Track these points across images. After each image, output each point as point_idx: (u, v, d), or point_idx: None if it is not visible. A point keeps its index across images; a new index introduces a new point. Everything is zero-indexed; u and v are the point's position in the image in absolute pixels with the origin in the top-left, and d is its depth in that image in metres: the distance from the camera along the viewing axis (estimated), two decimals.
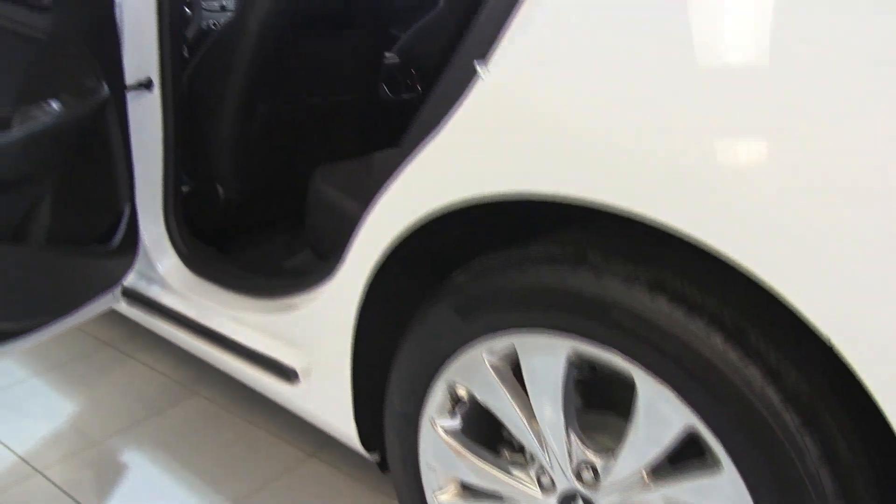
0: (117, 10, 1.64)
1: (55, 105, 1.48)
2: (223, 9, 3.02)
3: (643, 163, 0.92)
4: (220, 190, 2.11)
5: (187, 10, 2.87)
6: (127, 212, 1.74)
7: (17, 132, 1.37)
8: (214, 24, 2.96)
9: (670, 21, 0.92)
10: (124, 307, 2.03)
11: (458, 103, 1.23)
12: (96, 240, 1.64)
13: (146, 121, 1.81)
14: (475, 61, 1.19)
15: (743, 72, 0.86)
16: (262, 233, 2.26)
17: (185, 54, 2.25)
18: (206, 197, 2.11)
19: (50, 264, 1.52)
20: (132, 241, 1.77)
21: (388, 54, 2.55)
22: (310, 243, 1.89)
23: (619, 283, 1.02)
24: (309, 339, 1.57)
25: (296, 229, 2.24)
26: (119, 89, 1.69)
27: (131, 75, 1.74)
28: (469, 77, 1.23)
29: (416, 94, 2.59)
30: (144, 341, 2.45)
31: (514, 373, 1.22)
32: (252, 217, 2.24)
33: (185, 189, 2.01)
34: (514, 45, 1.09)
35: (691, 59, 0.90)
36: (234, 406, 2.11)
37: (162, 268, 1.93)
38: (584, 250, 1.07)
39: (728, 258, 0.88)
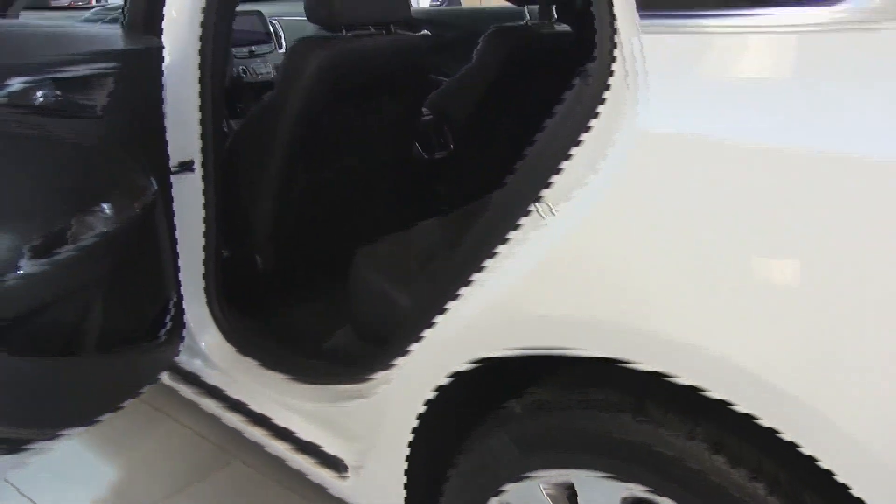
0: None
1: (107, 208, 1.50)
2: (252, 54, 3.04)
3: (703, 345, 0.95)
4: (259, 259, 2.14)
5: None
6: (174, 299, 1.77)
7: (73, 248, 1.40)
8: (244, 71, 2.98)
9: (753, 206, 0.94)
10: (166, 378, 2.06)
11: (513, 233, 1.25)
12: (145, 334, 1.67)
13: (187, 199, 1.84)
14: (536, 201, 1.21)
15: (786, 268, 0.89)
16: (299, 300, 2.29)
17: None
18: (244, 266, 2.14)
19: (100, 369, 1.55)
20: (178, 326, 1.80)
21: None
22: (354, 327, 1.92)
23: (680, 439, 1.05)
24: (362, 432, 1.60)
25: (332, 295, 2.27)
26: (165, 178, 1.72)
27: (174, 157, 1.77)
28: (523, 208, 1.26)
29: (448, 152, 2.60)
30: (180, 399, 2.48)
31: (568, 497, 1.25)
32: (289, 285, 2.27)
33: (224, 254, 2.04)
34: (583, 192, 1.10)
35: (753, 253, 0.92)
36: (273, 472, 2.14)
37: (204, 344, 1.97)
38: (643, 402, 1.10)
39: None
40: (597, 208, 1.08)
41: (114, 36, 1.55)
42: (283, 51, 3.13)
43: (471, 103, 2.61)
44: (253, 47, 3.03)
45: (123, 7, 1.63)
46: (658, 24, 1.06)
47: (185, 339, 1.93)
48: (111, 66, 1.47)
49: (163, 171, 1.71)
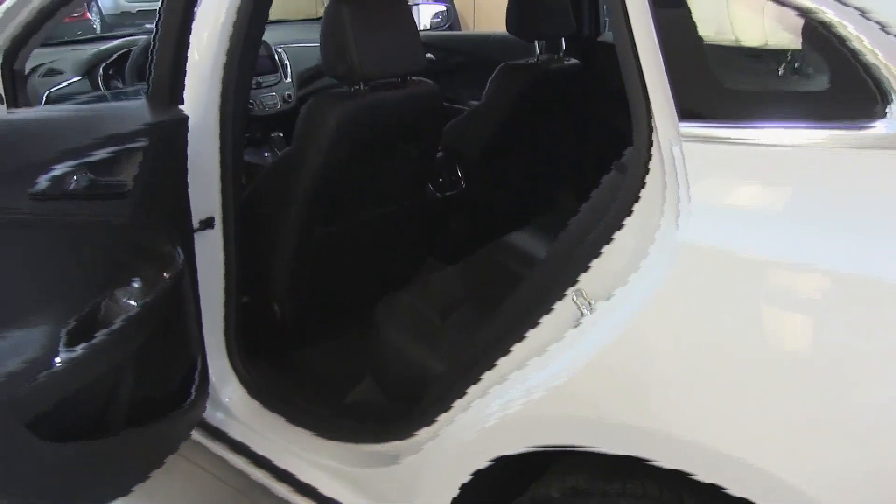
0: None
1: (137, 283, 1.51)
2: (258, 85, 3.03)
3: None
4: (277, 308, 2.15)
5: None
6: (199, 362, 1.78)
7: (108, 331, 1.41)
8: (251, 103, 2.98)
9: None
10: None
11: (547, 319, 1.27)
12: (173, 402, 1.68)
13: (208, 255, 1.84)
14: (573, 293, 1.23)
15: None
16: (318, 349, 2.30)
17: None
18: (263, 315, 2.15)
19: (131, 445, 1.56)
20: (204, 386, 1.81)
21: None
22: (377, 383, 1.94)
23: None
24: (392, 496, 1.62)
25: (352, 343, 2.29)
26: (189, 241, 1.73)
27: (195, 216, 1.77)
28: (558, 295, 1.28)
29: (460, 190, 2.61)
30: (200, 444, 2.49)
31: None
32: (308, 333, 2.28)
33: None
34: (625, 295, 1.12)
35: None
36: None
37: (227, 397, 1.98)
38: (681, 496, 1.12)
39: None
40: (642, 317, 1.10)
41: (139, 110, 1.55)
42: (290, 80, 3.12)
43: (482, 141, 2.62)
44: (259, 78, 3.02)
45: (147, 79, 1.63)
46: (700, 133, 1.07)
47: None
48: (140, 142, 1.48)
49: (187, 235, 1.72)
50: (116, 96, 2.63)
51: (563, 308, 1.28)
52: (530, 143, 2.85)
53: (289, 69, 3.15)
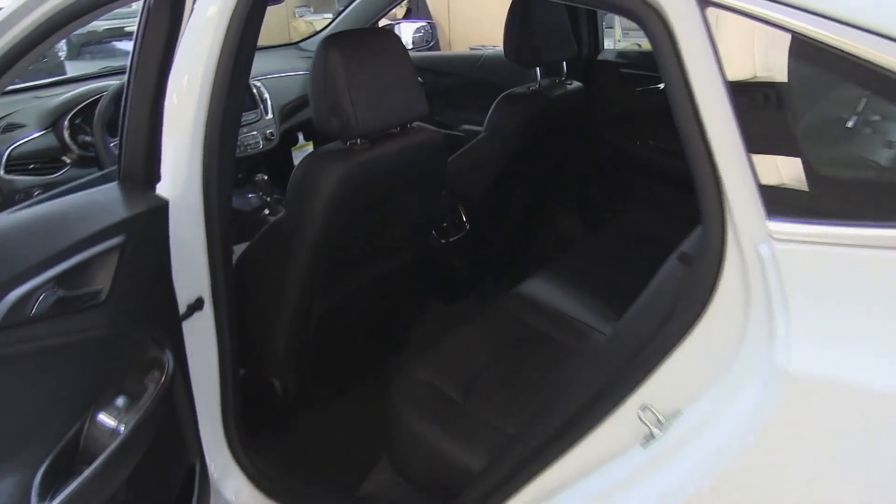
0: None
1: (120, 402, 1.31)
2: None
3: None
4: (277, 384, 1.95)
5: None
6: (198, 466, 1.58)
7: (88, 473, 1.20)
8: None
9: None
10: None
11: (605, 427, 1.11)
12: None
13: (199, 340, 1.65)
14: (640, 412, 1.05)
15: None
16: (326, 424, 2.11)
17: None
18: (262, 391, 1.95)
19: None
20: (204, 493, 1.61)
21: None
22: (394, 466, 1.75)
23: None
24: None
25: (363, 414, 2.10)
26: (177, 335, 1.53)
27: (182, 301, 1.57)
28: (615, 403, 1.11)
29: (464, 233, 2.43)
30: None
31: None
32: (313, 408, 2.08)
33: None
34: (711, 426, 0.95)
35: None
36: None
37: (231, 493, 1.78)
38: None
39: None
40: (745, 456, 0.92)
41: (111, 202, 1.34)
42: (270, 116, 2.91)
43: (488, 179, 2.43)
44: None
45: (119, 157, 1.42)
46: (799, 233, 0.89)
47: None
48: (115, 240, 1.28)
49: (174, 328, 1.52)
50: (84, 149, 2.41)
51: (625, 419, 1.11)
52: (533, 173, 2.67)
53: (269, 104, 2.93)
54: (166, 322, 1.45)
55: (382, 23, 3.35)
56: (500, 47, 2.40)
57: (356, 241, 1.87)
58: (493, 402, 1.73)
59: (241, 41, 1.48)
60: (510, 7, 2.38)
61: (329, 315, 1.93)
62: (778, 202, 0.93)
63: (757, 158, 0.93)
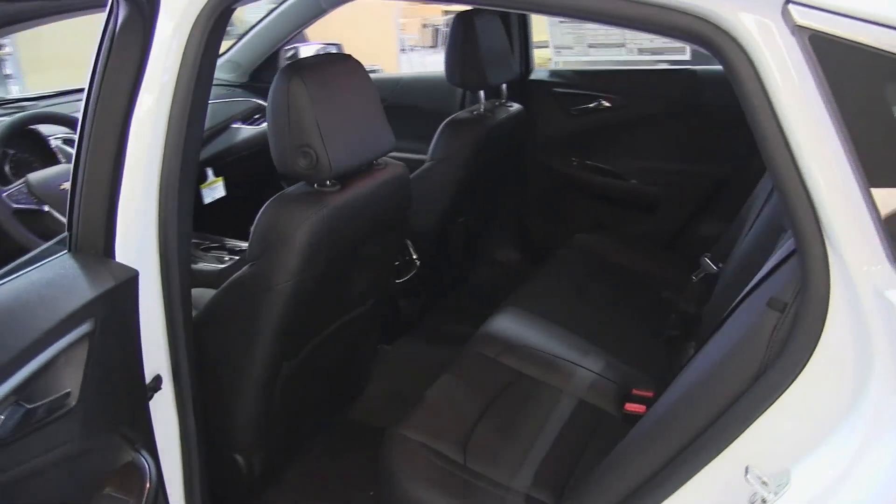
0: None
1: None
2: None
3: None
4: (240, 460, 1.72)
5: None
6: None
7: None
8: None
9: None
10: None
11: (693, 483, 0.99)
12: None
13: (157, 424, 1.41)
14: (748, 477, 0.94)
15: None
16: (289, 486, 1.89)
17: None
18: (224, 469, 1.71)
19: None
20: None
21: None
22: None
23: None
24: None
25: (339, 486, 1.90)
26: (147, 421, 1.30)
27: None
28: (705, 460, 1.00)
29: (415, 271, 2.26)
30: None
31: None
32: (282, 482, 1.86)
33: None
34: None
35: None
36: None
37: None
38: None
39: None
40: None
41: (70, 278, 1.09)
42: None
43: (437, 212, 2.28)
44: None
45: (70, 220, 1.18)
46: None
47: None
48: (83, 328, 1.04)
49: (143, 416, 1.28)
50: None
51: (718, 483, 0.99)
52: (477, 201, 2.55)
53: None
54: (135, 414, 1.22)
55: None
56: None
57: (327, 295, 1.67)
58: (496, 459, 1.59)
59: (199, 74, 1.27)
60: (452, 29, 2.26)
61: (294, 378, 1.72)
62: None
63: (879, 193, 0.84)
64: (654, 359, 1.99)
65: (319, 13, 2.75)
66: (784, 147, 0.91)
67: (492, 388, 1.79)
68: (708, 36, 0.95)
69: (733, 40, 0.93)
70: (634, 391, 1.80)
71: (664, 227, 2.70)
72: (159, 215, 1.27)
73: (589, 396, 1.80)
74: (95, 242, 1.15)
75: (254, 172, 2.50)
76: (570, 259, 2.46)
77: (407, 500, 1.48)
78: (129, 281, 1.13)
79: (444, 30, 9.00)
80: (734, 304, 1.10)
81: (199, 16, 1.22)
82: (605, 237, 2.65)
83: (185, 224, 1.33)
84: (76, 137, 1.15)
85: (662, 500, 1.03)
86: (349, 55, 1.64)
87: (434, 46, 8.10)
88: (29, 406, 0.94)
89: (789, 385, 0.94)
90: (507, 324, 2.04)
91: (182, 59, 1.23)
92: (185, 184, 1.29)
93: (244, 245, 2.49)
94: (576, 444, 1.66)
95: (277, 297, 1.51)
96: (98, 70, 1.13)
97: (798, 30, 0.88)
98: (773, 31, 0.90)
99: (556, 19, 2.75)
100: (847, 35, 0.86)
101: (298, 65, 1.51)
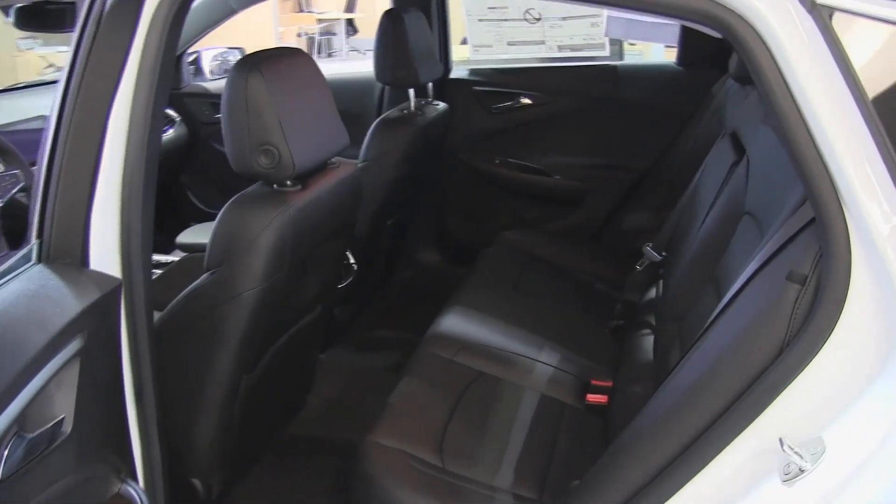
0: None
1: None
2: None
3: None
4: (198, 484, 1.60)
5: None
6: None
7: None
8: None
9: None
10: None
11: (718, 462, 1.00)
12: None
13: None
14: (784, 446, 0.94)
15: None
16: None
17: None
18: (181, 497, 1.59)
19: None
20: None
21: None
22: None
23: None
24: None
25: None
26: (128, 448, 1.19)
27: None
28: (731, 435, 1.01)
29: (353, 277, 2.19)
30: None
31: None
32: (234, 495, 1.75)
33: None
34: None
35: None
36: None
37: None
38: None
39: None
40: None
41: (51, 289, 0.97)
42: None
43: (371, 213, 2.21)
44: None
45: (42, 227, 1.05)
46: None
47: None
48: (74, 344, 0.92)
49: (125, 442, 1.17)
50: None
51: (750, 450, 0.99)
52: (405, 202, 2.51)
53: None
54: (121, 440, 1.10)
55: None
56: None
57: (285, 301, 1.58)
58: (474, 459, 1.55)
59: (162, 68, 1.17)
60: (380, 26, 2.21)
61: (252, 394, 1.62)
62: None
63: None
64: (604, 349, 2.02)
65: (229, 13, 2.62)
66: (799, 118, 0.92)
67: (455, 388, 1.76)
68: (719, 16, 0.96)
69: (746, 20, 0.94)
70: (593, 382, 1.81)
71: (589, 220, 2.75)
72: (122, 221, 1.16)
73: (550, 391, 1.80)
74: (72, 251, 1.03)
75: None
76: (501, 257, 2.45)
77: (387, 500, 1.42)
78: (114, 291, 1.02)
79: (319, 38, 8.94)
80: (742, 283, 1.11)
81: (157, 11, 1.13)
82: (531, 234, 2.67)
83: (148, 231, 1.22)
84: (48, 141, 1.03)
85: (691, 477, 1.03)
86: (299, 49, 1.57)
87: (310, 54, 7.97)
88: (30, 436, 0.82)
89: (816, 354, 0.95)
90: (457, 323, 2.01)
91: (143, 53, 1.14)
92: (148, 186, 1.19)
93: (163, 258, 2.35)
94: (546, 439, 1.66)
95: (243, 306, 1.41)
96: (77, 66, 1.02)
97: (816, 7, 0.90)
98: (789, 10, 0.92)
99: (476, 17, 2.75)
100: (865, 10, 0.89)
101: (254, 58, 1.42)
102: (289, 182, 1.46)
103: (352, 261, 2.21)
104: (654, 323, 1.94)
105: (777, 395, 0.98)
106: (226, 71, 3.30)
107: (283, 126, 1.39)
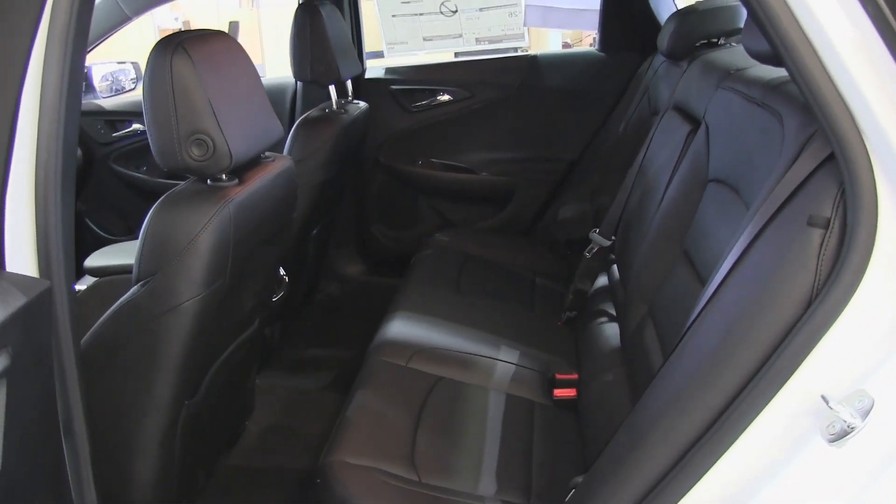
0: None
1: None
2: None
3: None
4: None
5: None
6: None
7: None
8: None
9: None
10: None
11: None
12: None
13: None
14: (830, 403, 0.86)
15: None
16: None
17: None
18: None
19: None
20: None
21: None
22: None
23: None
24: None
25: None
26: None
27: None
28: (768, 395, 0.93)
29: (284, 291, 2.03)
30: None
31: None
32: None
33: None
34: None
35: None
36: None
37: None
38: None
39: None
40: None
41: None
42: None
43: (300, 219, 2.05)
44: None
45: None
46: None
47: None
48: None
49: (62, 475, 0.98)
50: None
51: (789, 411, 0.91)
52: (329, 207, 2.36)
53: None
54: (57, 479, 0.91)
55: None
56: None
57: (223, 313, 1.41)
58: (450, 470, 1.43)
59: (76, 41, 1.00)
60: (295, 19, 2.06)
61: (193, 421, 1.44)
62: None
63: None
64: (561, 341, 1.93)
65: (124, 20, 2.40)
66: (811, 49, 0.85)
67: (415, 396, 1.62)
68: None
69: None
70: (559, 376, 1.71)
71: (521, 215, 2.67)
72: (38, 222, 0.97)
73: (515, 390, 1.70)
74: None
75: None
76: (435, 259, 2.34)
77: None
78: (42, 297, 0.83)
79: None
80: (750, 238, 1.03)
81: None
82: (463, 233, 2.57)
83: (69, 234, 1.04)
84: None
85: (723, 452, 0.94)
86: (225, 32, 1.41)
87: None
88: None
89: (850, 300, 0.88)
90: (404, 328, 1.88)
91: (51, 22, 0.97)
92: (67, 179, 1.01)
93: None
94: (522, 441, 1.55)
95: (184, 318, 1.24)
96: None
97: None
98: None
99: (389, 13, 2.64)
100: None
101: (177, 38, 1.26)
102: (224, 176, 1.30)
103: (282, 272, 2.04)
104: (610, 310, 1.87)
105: (812, 350, 0.89)
106: (117, 91, 3.07)
107: (215, 112, 1.23)
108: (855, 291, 0.88)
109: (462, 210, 2.72)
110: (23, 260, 0.93)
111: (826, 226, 0.90)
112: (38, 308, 0.83)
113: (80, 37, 1.01)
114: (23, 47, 0.95)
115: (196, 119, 1.22)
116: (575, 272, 2.04)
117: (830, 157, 0.92)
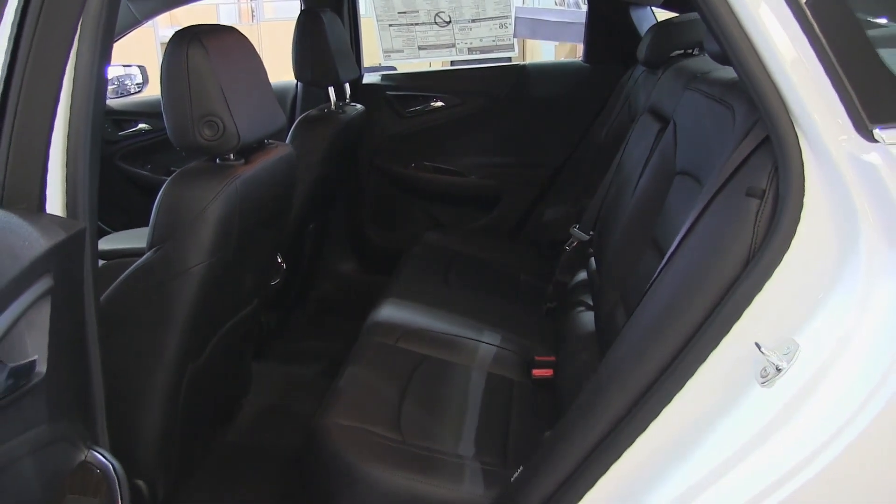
0: None
1: None
2: None
3: None
4: (143, 487, 1.51)
5: None
6: None
7: None
8: None
9: None
10: None
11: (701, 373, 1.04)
12: None
13: None
14: (762, 348, 0.99)
15: None
16: None
17: None
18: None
19: None
20: None
21: None
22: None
23: None
24: None
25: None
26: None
27: None
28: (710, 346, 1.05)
29: (281, 278, 2.15)
30: None
31: None
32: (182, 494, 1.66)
33: None
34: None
35: None
36: None
37: None
38: None
39: None
40: None
41: (13, 228, 0.90)
42: None
43: (297, 210, 2.18)
44: None
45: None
46: None
47: None
48: (43, 283, 0.86)
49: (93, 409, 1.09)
50: None
51: (729, 358, 1.03)
52: (326, 204, 2.48)
53: None
54: (87, 404, 1.03)
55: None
56: None
57: (226, 286, 1.53)
58: (433, 435, 1.54)
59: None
60: (298, 24, 2.20)
61: (195, 385, 1.55)
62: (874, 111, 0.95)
63: (846, 63, 0.95)
64: (541, 328, 2.05)
65: (133, 23, 2.54)
66: (745, 36, 0.99)
67: (402, 372, 1.74)
68: None
69: None
70: (537, 357, 1.83)
71: (507, 218, 2.80)
72: (67, 168, 1.08)
73: (495, 368, 1.82)
74: (30, 196, 0.97)
75: None
76: (425, 255, 2.47)
77: (374, 485, 1.38)
78: (79, 235, 0.96)
79: None
80: (701, 208, 1.16)
81: None
82: (453, 233, 2.69)
83: (95, 181, 1.15)
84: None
85: (675, 393, 1.06)
86: (234, 27, 1.55)
87: None
88: (11, 365, 0.76)
89: (781, 261, 1.00)
90: (395, 312, 2.00)
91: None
92: (96, 130, 1.12)
93: None
94: (500, 413, 1.66)
95: (192, 282, 1.36)
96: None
97: None
98: None
99: (386, 22, 2.79)
100: None
101: (192, 30, 1.39)
102: (232, 156, 1.43)
103: (279, 259, 2.16)
104: (588, 300, 1.99)
105: (749, 303, 1.02)
106: (122, 94, 3.19)
107: (225, 97, 1.36)
108: (786, 252, 1.00)
109: (452, 212, 2.85)
110: (60, 207, 1.04)
111: (762, 196, 1.03)
112: (75, 244, 0.95)
113: (110, 24, 1.13)
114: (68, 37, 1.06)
115: (208, 102, 1.35)
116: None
117: (767, 139, 1.05)
